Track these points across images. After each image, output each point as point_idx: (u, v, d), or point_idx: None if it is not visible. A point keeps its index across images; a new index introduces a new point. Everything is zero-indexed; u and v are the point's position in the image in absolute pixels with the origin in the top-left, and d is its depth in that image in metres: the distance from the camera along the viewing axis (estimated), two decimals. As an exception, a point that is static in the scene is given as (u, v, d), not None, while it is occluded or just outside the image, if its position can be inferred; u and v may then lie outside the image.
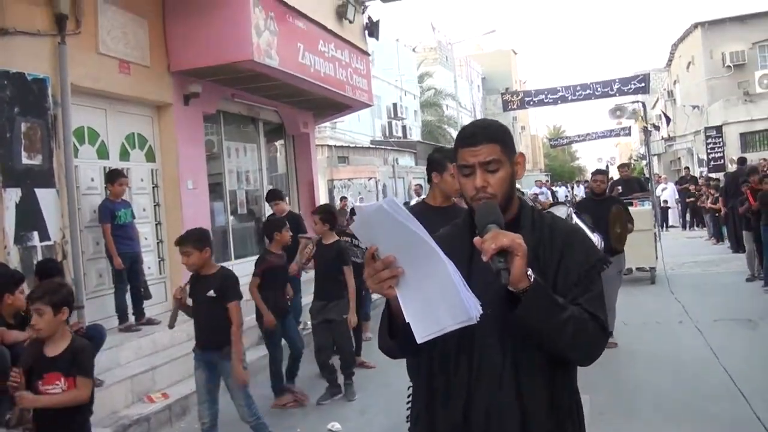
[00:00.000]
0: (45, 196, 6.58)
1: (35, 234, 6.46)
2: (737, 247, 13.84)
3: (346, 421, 5.81)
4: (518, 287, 1.77)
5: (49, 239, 6.60)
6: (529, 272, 1.78)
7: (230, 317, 4.79)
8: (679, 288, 10.65)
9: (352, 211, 8.00)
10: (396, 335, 1.94)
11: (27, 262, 6.30)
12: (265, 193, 11.67)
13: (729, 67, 28.38)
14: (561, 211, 6.17)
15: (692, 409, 5.47)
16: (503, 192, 2.00)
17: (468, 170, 2.01)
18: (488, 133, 2.02)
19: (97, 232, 7.43)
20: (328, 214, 6.64)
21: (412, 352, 2.07)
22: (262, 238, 9.12)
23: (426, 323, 1.77)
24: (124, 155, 8.28)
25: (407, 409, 2.18)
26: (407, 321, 1.79)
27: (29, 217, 6.41)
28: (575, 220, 5.96)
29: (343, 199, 20.35)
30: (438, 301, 1.75)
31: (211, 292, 4.84)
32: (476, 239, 1.79)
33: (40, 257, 6.45)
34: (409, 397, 2.19)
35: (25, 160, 6.40)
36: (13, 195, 6.27)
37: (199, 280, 4.92)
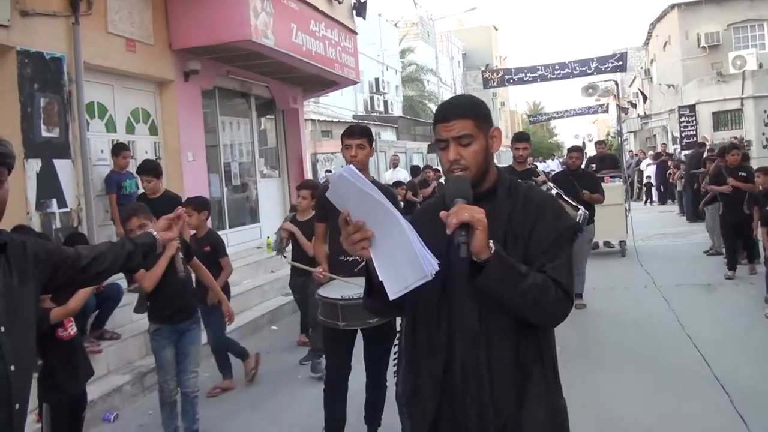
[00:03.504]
0: (62, 167, 7.11)
1: (54, 201, 6.98)
2: (694, 217, 15.25)
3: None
4: (480, 258, 1.89)
5: (66, 206, 7.14)
6: (491, 244, 1.89)
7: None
8: (647, 258, 11.38)
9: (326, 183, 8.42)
10: (373, 294, 2.09)
11: (47, 227, 6.85)
12: (258, 167, 12.26)
13: (704, 47, 29.05)
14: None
15: (652, 359, 6.15)
16: (477, 164, 2.09)
17: (443, 144, 2.12)
18: (460, 110, 2.11)
19: (106, 200, 7.96)
20: (315, 189, 6.72)
21: (395, 311, 2.29)
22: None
23: (395, 281, 1.92)
24: (130, 129, 8.80)
25: (394, 364, 2.36)
26: (381, 279, 1.95)
27: (48, 186, 6.94)
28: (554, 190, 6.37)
29: (328, 172, 20.87)
30: (401, 260, 1.89)
31: (208, 248, 5.68)
32: (442, 213, 1.91)
33: (58, 223, 7.00)
34: (395, 353, 2.37)
35: (44, 133, 6.92)
36: (34, 165, 6.79)
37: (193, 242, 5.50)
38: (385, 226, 1.92)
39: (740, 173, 9.46)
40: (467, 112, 2.10)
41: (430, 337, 2.12)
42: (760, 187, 8.66)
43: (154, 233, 2.65)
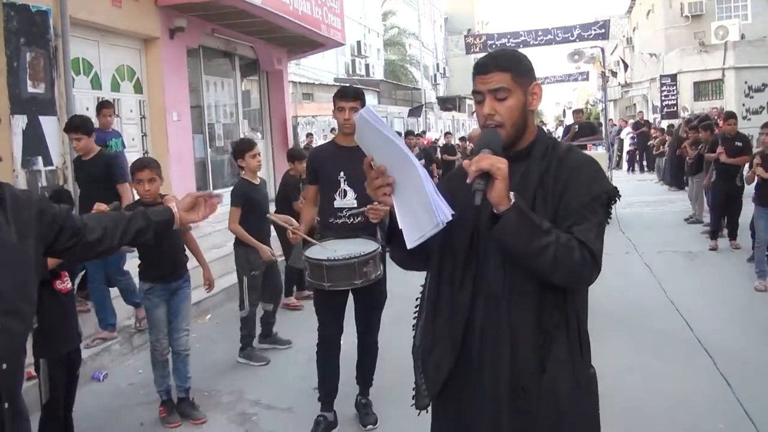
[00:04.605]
0: (48, 124, 7.03)
1: (39, 159, 6.91)
2: (677, 183, 15.61)
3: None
4: (499, 209, 1.84)
5: (51, 164, 7.06)
6: (511, 195, 1.84)
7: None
8: (628, 226, 11.48)
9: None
10: (394, 242, 2.08)
11: (33, 185, 6.78)
12: (242, 128, 12.16)
13: (687, 17, 29.10)
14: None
15: (635, 324, 6.27)
16: (512, 120, 2.02)
17: (479, 96, 2.04)
18: (499, 62, 2.03)
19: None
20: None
21: (420, 263, 2.19)
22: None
23: (413, 229, 1.89)
24: (115, 86, 8.69)
25: (414, 318, 2.28)
26: (400, 227, 1.93)
27: (34, 143, 6.85)
28: None
29: (309, 135, 20.72)
30: (418, 207, 1.85)
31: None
32: (465, 161, 1.87)
33: (44, 181, 6.92)
34: (416, 307, 2.27)
35: (30, 89, 6.82)
36: (20, 121, 6.69)
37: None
38: (404, 172, 1.88)
39: (736, 143, 9.20)
40: (506, 65, 2.02)
41: (453, 296, 2.07)
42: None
43: (174, 210, 2.45)
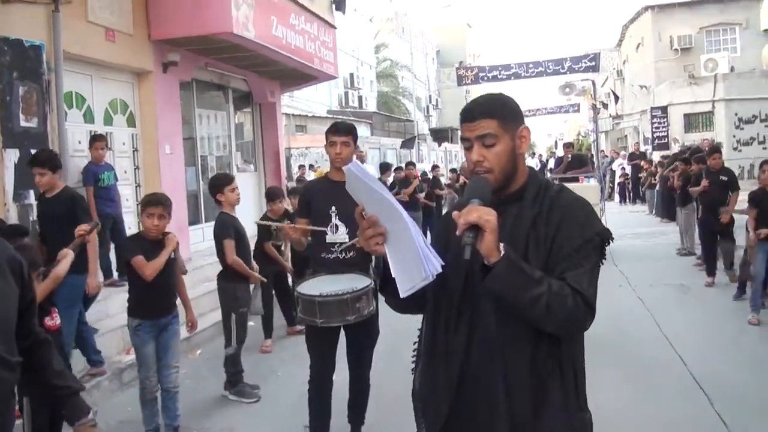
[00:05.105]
0: (40, 157, 6.99)
1: (31, 192, 6.86)
2: (668, 215, 15.54)
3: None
4: (490, 261, 1.82)
5: (43, 197, 7.02)
6: (501, 246, 1.83)
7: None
8: (620, 258, 11.47)
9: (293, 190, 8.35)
10: (387, 289, 2.06)
11: (24, 219, 6.75)
12: (234, 161, 12.17)
13: (676, 50, 29.46)
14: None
15: (629, 357, 6.25)
16: (501, 166, 2.02)
17: (467, 143, 2.05)
18: (484, 109, 2.03)
19: (83, 192, 7.81)
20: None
21: (415, 308, 2.18)
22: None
23: (405, 279, 1.89)
24: (108, 120, 8.69)
25: (412, 362, 2.26)
26: (393, 276, 1.93)
27: (26, 177, 6.78)
28: None
29: (302, 167, 20.76)
30: (409, 258, 1.86)
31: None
32: (454, 214, 1.87)
33: (35, 215, 6.88)
34: (414, 351, 2.26)
35: (22, 123, 6.81)
36: (12, 155, 6.68)
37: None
38: (394, 223, 1.89)
39: (721, 177, 9.15)
40: (492, 112, 2.02)
41: (448, 340, 2.05)
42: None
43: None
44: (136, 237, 4.95)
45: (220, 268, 6.01)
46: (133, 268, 4.66)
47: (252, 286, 5.94)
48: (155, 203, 4.70)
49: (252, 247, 6.64)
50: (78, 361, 5.96)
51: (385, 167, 15.36)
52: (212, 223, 10.61)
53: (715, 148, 10.35)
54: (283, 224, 4.70)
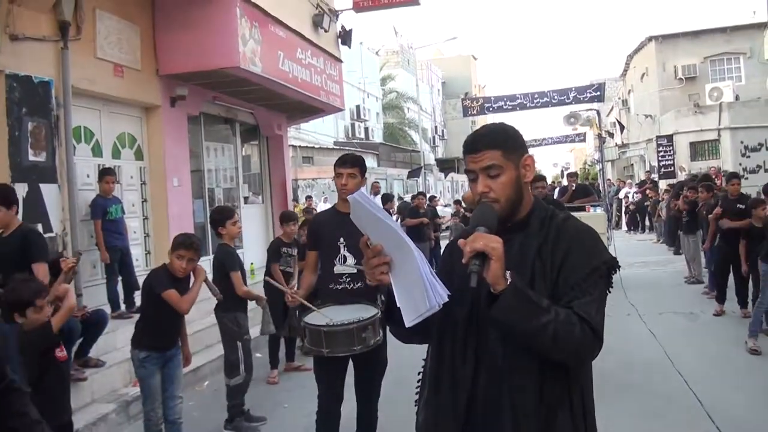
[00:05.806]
0: (48, 191, 7.05)
1: (39, 226, 6.90)
2: (672, 243, 15.62)
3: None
4: (496, 289, 1.82)
5: (51, 231, 7.06)
6: (507, 275, 1.82)
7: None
8: (629, 286, 11.42)
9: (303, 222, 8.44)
10: (393, 319, 2.04)
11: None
12: (241, 193, 12.24)
13: (681, 79, 29.69)
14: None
15: (638, 388, 6.20)
16: (506, 195, 2.02)
17: (472, 175, 2.06)
18: (487, 140, 2.04)
19: (91, 225, 7.88)
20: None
21: (420, 337, 2.16)
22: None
23: (410, 308, 1.88)
24: (116, 154, 8.77)
25: (416, 393, 2.24)
26: (398, 306, 1.91)
27: (34, 210, 6.87)
28: None
29: (309, 198, 20.87)
30: (414, 287, 1.85)
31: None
32: (460, 241, 1.87)
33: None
34: (419, 382, 2.23)
35: (31, 157, 6.87)
36: (21, 189, 6.72)
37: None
38: (400, 253, 1.88)
39: (738, 205, 8.80)
40: (495, 143, 2.03)
41: (455, 369, 2.03)
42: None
43: None
44: (163, 271, 4.93)
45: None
46: (155, 300, 4.68)
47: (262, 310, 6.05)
48: (188, 247, 4.76)
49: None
50: (86, 394, 5.96)
51: (387, 198, 15.37)
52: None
53: (734, 174, 10.17)
54: (286, 290, 4.73)
